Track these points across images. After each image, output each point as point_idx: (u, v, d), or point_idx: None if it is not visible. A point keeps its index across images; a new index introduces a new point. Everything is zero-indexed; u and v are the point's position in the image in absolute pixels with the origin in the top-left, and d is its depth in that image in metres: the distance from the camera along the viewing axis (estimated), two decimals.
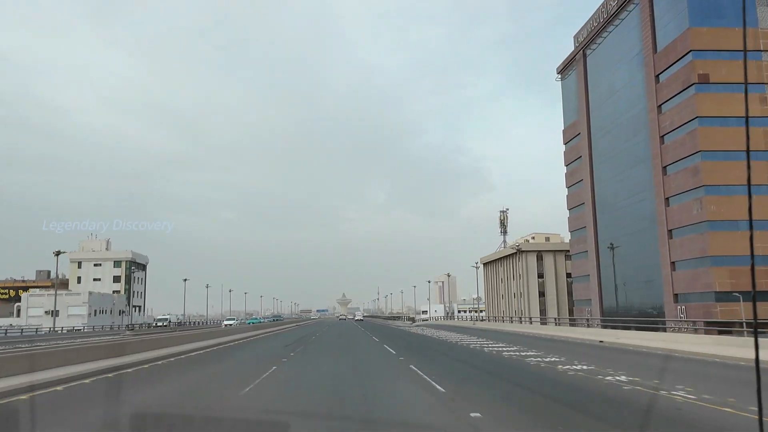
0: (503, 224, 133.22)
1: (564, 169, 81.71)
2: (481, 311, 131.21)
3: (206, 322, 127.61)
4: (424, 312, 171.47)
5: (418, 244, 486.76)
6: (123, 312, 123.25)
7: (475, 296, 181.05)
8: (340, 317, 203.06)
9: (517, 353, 27.79)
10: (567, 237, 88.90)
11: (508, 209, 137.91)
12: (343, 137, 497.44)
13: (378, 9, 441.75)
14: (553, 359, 24.02)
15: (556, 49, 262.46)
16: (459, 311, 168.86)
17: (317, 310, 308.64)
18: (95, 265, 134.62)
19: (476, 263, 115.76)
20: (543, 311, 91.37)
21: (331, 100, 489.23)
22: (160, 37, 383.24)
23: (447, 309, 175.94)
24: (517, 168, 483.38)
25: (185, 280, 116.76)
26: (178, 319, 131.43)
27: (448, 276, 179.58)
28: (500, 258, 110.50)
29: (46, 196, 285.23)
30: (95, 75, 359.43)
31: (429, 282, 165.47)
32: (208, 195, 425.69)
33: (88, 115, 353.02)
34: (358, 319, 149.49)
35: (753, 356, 3.78)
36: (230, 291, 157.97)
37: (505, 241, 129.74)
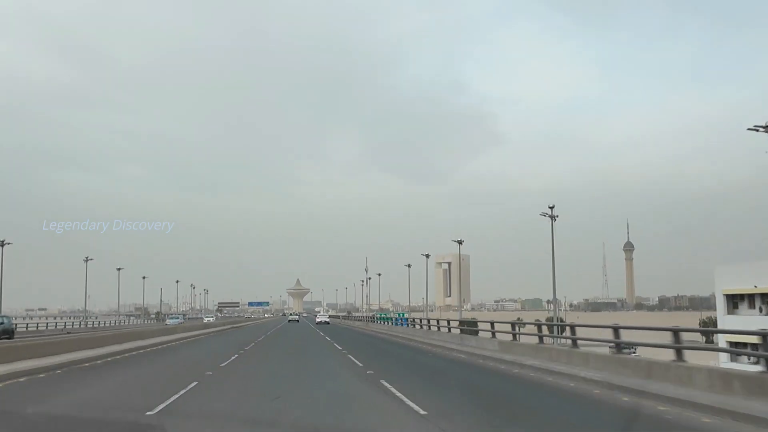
0: None
1: None
2: None
3: None
4: None
5: (402, 216, 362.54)
6: None
7: None
8: (292, 316, 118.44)
9: None
10: None
11: None
12: (299, 71, 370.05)
13: None
14: None
15: None
16: None
17: (251, 304, 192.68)
18: None
19: None
20: None
21: (283, 19, 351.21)
22: None
23: None
24: (534, 114, 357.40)
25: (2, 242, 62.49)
26: None
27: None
28: None
29: None
30: None
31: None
32: (109, 144, 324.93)
33: None
34: (320, 322, 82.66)
35: None
36: (117, 271, 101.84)
37: None
